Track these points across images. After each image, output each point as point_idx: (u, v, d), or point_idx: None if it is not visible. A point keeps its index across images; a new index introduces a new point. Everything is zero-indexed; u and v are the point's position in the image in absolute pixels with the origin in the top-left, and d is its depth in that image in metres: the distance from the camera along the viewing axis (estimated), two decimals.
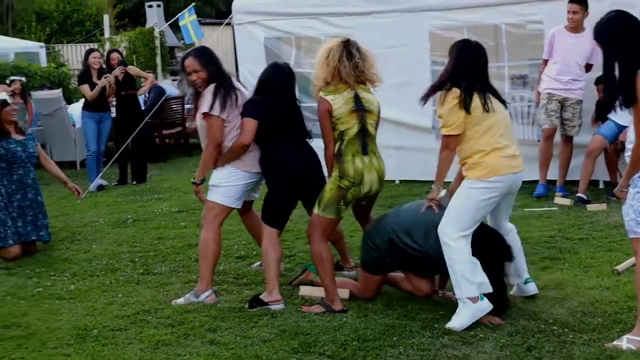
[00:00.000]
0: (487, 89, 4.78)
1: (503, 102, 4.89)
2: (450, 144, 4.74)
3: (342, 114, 4.97)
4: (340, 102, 4.97)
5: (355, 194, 5.02)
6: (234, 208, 5.48)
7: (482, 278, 4.60)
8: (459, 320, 4.54)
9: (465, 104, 4.64)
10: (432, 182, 4.91)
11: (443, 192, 4.95)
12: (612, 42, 4.10)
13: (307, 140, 5.47)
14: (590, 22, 8.03)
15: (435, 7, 9.13)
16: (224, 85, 5.30)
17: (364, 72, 5.06)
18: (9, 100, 6.83)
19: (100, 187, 9.97)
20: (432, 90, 4.88)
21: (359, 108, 5.02)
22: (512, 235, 5.02)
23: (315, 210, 5.07)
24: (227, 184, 5.36)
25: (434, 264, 4.85)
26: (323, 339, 4.47)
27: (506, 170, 4.66)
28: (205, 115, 5.26)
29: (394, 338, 4.44)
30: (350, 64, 4.97)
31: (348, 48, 5.03)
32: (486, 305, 4.55)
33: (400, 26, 9.26)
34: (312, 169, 5.36)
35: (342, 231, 5.97)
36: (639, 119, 4.02)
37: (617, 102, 4.19)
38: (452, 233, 4.62)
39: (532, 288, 5.07)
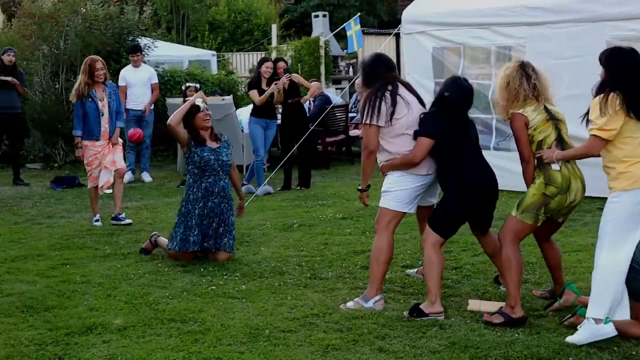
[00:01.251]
0: None
1: None
2: (597, 147, 4.63)
3: (538, 122, 5.05)
4: (533, 113, 5.07)
5: (560, 203, 4.96)
6: (407, 213, 5.48)
7: (616, 303, 4.52)
8: (577, 337, 4.51)
9: (628, 109, 4.54)
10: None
11: None
12: None
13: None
14: None
15: (614, 17, 8.74)
16: (378, 92, 5.34)
17: (541, 92, 5.16)
18: (202, 106, 6.71)
19: (266, 193, 10.24)
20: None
21: (552, 117, 5.10)
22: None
23: (513, 212, 5.03)
24: (396, 189, 5.37)
25: None
26: (494, 353, 4.38)
27: None
28: (361, 124, 5.47)
29: (570, 358, 4.28)
30: (529, 85, 5.10)
31: (526, 70, 5.16)
32: (609, 329, 4.44)
33: (576, 36, 8.97)
34: (491, 192, 5.30)
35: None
36: None
37: None
38: (600, 250, 4.58)
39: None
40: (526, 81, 5.10)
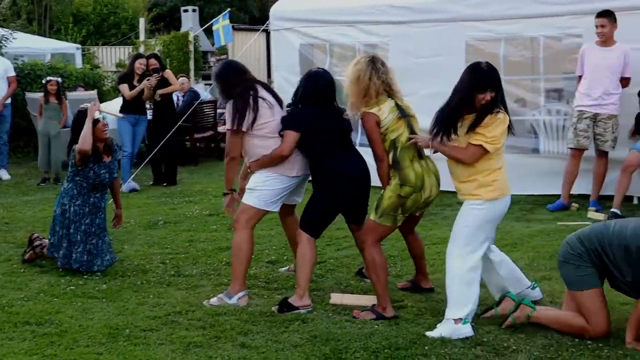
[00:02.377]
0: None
1: None
2: (477, 156, 4.69)
3: (390, 122, 5.05)
4: (385, 111, 5.06)
5: (416, 200, 5.02)
6: (269, 211, 5.48)
7: (473, 305, 4.66)
8: (436, 332, 4.62)
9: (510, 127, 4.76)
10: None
11: None
12: None
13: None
14: (623, 37, 7.99)
15: (473, 17, 9.04)
16: (241, 97, 5.33)
17: (391, 85, 5.18)
18: (100, 117, 6.25)
19: (132, 190, 10.02)
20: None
21: (404, 114, 5.11)
22: (497, 252, 5.12)
23: (372, 217, 5.08)
24: (263, 188, 5.37)
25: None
26: (355, 345, 4.45)
27: (507, 190, 4.77)
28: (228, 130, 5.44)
29: (426, 347, 4.42)
30: (379, 80, 5.09)
31: (375, 65, 5.14)
32: (466, 330, 4.58)
33: (436, 36, 9.22)
34: (362, 185, 5.34)
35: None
36: None
37: None
38: (455, 251, 4.71)
39: (537, 293, 5.21)
40: (376, 76, 5.08)
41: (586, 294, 4.46)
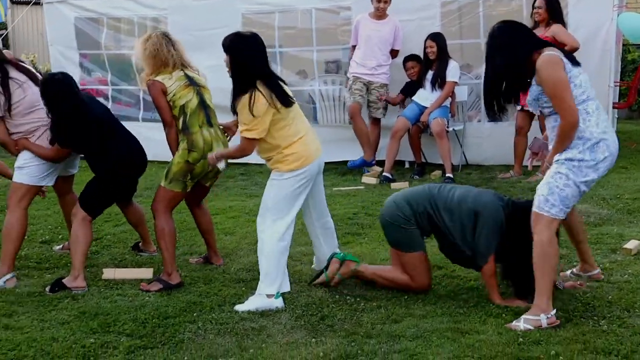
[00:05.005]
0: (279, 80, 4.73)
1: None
2: (250, 148, 4.67)
3: (177, 89, 5.09)
4: (172, 80, 5.11)
5: (204, 166, 5.05)
6: (41, 187, 5.35)
7: (283, 277, 4.70)
8: (246, 306, 4.59)
9: (275, 102, 4.55)
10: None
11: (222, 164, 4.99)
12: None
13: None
14: (393, 9, 8.46)
15: None
16: None
17: (182, 57, 5.24)
18: None
19: None
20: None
21: (192, 82, 5.18)
22: (330, 218, 5.21)
23: (162, 183, 5.08)
24: (31, 164, 5.23)
25: (464, 257, 4.65)
26: (123, 318, 4.45)
27: (312, 156, 4.73)
28: None
29: (194, 314, 4.51)
30: (172, 50, 5.15)
31: (169, 38, 5.21)
32: (278, 304, 4.59)
33: (213, 9, 9.30)
34: (142, 164, 5.32)
35: (143, 214, 5.92)
36: (556, 101, 4.08)
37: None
38: (262, 223, 4.71)
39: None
40: (173, 48, 5.16)
41: (412, 256, 4.68)
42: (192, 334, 4.22)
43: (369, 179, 8.29)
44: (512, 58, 4.19)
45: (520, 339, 3.92)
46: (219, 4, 9.23)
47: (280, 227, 4.67)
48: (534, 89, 4.22)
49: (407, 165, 9.12)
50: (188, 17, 9.37)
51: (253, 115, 4.49)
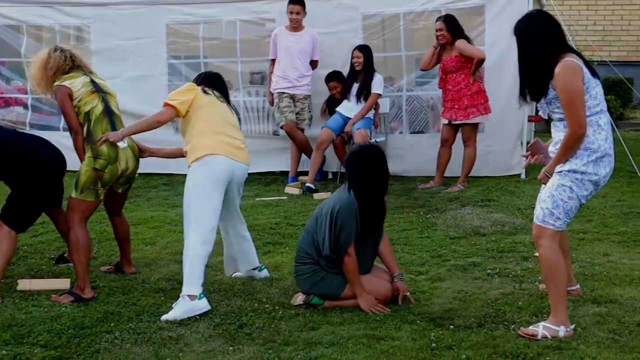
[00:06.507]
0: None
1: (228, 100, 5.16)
2: (165, 117, 4.93)
3: (83, 94, 5.11)
4: (78, 84, 5.13)
5: (113, 173, 5.03)
6: None
7: (203, 278, 4.75)
8: (173, 313, 4.58)
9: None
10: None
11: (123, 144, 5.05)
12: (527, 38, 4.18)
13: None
14: (312, 22, 8.58)
15: (171, 1, 9.21)
16: None
17: (82, 61, 5.30)
18: None
19: None
20: None
21: (98, 89, 5.19)
22: (245, 227, 5.28)
23: (73, 194, 5.02)
24: None
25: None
26: (38, 329, 4.39)
27: (223, 151, 4.83)
28: None
29: (112, 324, 4.47)
30: (62, 54, 5.21)
31: (60, 48, 5.32)
32: (203, 305, 4.62)
33: (137, 19, 9.26)
34: (63, 166, 5.20)
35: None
36: (568, 110, 4.02)
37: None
38: (188, 227, 4.77)
39: (265, 274, 5.35)
40: (62, 55, 5.22)
41: None
42: (109, 344, 4.18)
43: (291, 190, 8.34)
44: (544, 50, 4.09)
45: (433, 344, 4.03)
46: (143, 14, 9.19)
47: (204, 228, 4.72)
48: (548, 92, 4.14)
49: (330, 176, 9.21)
50: (112, 26, 9.30)
51: (182, 89, 4.92)
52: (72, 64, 5.23)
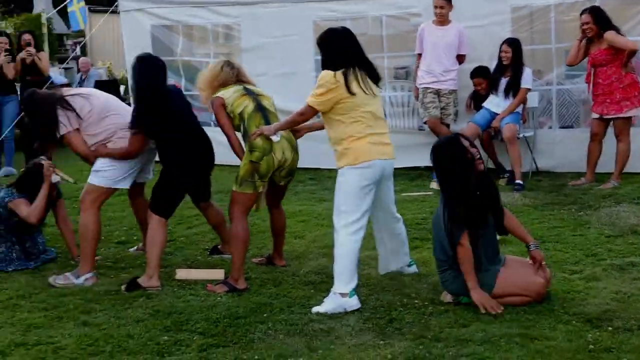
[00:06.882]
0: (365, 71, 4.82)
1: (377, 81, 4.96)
2: (307, 115, 4.90)
3: (234, 99, 5.31)
4: (230, 92, 5.35)
5: (269, 164, 5.14)
6: (116, 189, 5.53)
7: (357, 278, 4.76)
8: (324, 307, 4.65)
9: (347, 86, 4.67)
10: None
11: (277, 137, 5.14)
12: None
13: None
14: (459, 15, 8.46)
15: None
16: (54, 105, 5.39)
17: (246, 76, 5.60)
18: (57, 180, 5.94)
19: (7, 175, 9.68)
20: None
21: (249, 92, 5.40)
22: (400, 224, 5.28)
23: (234, 188, 5.20)
24: (109, 168, 5.42)
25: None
26: (195, 317, 4.58)
27: (374, 155, 4.76)
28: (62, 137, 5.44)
29: (265, 315, 4.60)
30: (231, 71, 5.52)
31: (227, 61, 5.62)
32: (354, 302, 4.65)
33: (285, 16, 9.44)
34: (205, 164, 5.47)
35: (223, 216, 6.06)
36: None
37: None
38: (338, 224, 4.77)
39: (413, 269, 5.36)
40: (228, 68, 5.51)
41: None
42: (262, 334, 4.30)
43: (437, 185, 8.26)
44: None
45: (591, 346, 3.89)
46: (292, 12, 9.37)
47: (354, 227, 4.73)
48: None
49: None
50: (261, 24, 9.53)
51: (323, 88, 4.69)
52: (236, 79, 5.50)
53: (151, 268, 5.25)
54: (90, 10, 19.21)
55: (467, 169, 4.56)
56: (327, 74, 4.71)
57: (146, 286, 5.18)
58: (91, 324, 4.55)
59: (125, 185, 5.56)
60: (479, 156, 4.64)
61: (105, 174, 5.42)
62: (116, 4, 10.50)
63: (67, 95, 5.44)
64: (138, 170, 5.60)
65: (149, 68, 5.37)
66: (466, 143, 4.63)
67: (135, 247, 6.25)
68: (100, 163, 5.45)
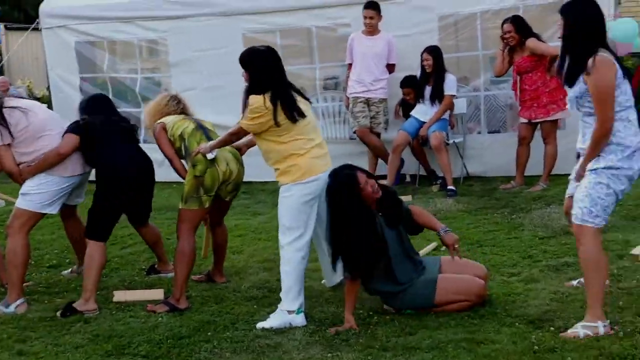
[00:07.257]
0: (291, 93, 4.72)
1: (307, 99, 4.91)
2: (240, 134, 4.87)
3: (174, 122, 5.39)
4: (170, 118, 5.47)
5: (214, 176, 5.06)
6: (45, 214, 5.35)
7: (302, 297, 4.72)
8: (269, 323, 4.60)
9: (274, 117, 4.56)
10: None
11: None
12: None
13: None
14: (387, 25, 8.55)
15: (247, 10, 9.29)
16: None
17: (189, 109, 5.75)
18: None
19: None
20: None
21: (189, 117, 5.55)
22: None
23: (180, 205, 5.13)
24: (37, 192, 5.24)
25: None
26: (137, 339, 4.47)
27: (320, 169, 4.71)
28: None
29: (209, 333, 4.52)
30: (176, 105, 5.68)
31: (174, 96, 5.78)
32: (300, 320, 4.61)
33: (214, 29, 9.37)
34: (140, 185, 5.36)
35: (159, 234, 5.97)
36: (599, 105, 4.02)
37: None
38: (283, 241, 4.73)
39: None
40: (178, 106, 5.69)
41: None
42: (208, 353, 4.23)
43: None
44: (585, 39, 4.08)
45: (536, 347, 3.94)
46: (220, 25, 9.30)
47: (300, 243, 4.69)
48: (578, 87, 4.12)
49: (408, 179, 9.15)
50: (188, 38, 9.44)
51: (254, 113, 4.56)
52: (180, 112, 5.63)
53: (88, 291, 5.11)
54: (7, 28, 18.79)
55: (361, 218, 4.55)
56: (257, 100, 4.55)
57: (83, 310, 5.04)
58: (27, 353, 4.40)
59: (53, 210, 5.37)
60: (377, 187, 4.65)
61: (32, 197, 5.25)
62: (37, 20, 10.24)
63: (6, 107, 5.22)
64: (68, 194, 5.43)
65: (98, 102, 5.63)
66: (362, 179, 4.59)
67: (70, 270, 6.08)
68: (28, 186, 5.27)
